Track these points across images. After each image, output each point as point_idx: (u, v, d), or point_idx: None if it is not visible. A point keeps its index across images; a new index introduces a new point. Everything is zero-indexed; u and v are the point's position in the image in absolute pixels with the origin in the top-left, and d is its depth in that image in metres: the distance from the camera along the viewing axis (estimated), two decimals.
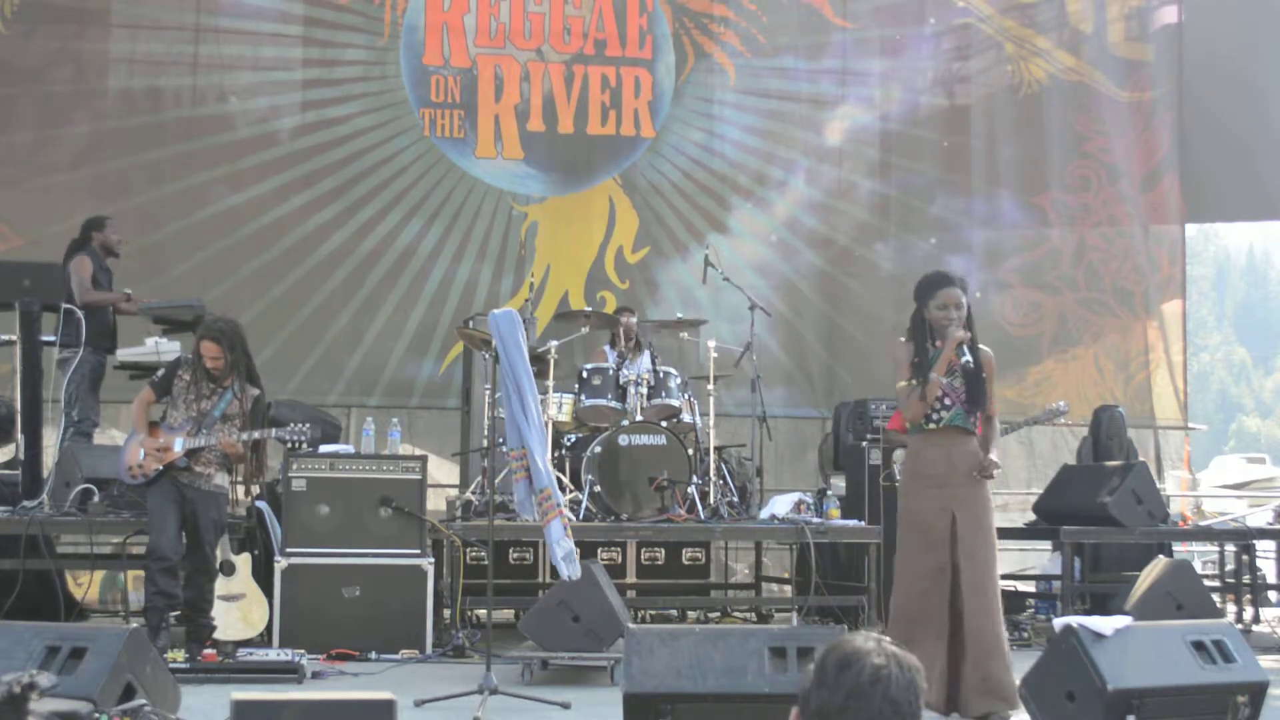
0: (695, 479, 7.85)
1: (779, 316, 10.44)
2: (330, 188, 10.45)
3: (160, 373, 6.60)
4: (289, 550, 6.98)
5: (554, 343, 8.18)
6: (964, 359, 5.15)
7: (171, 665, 5.47)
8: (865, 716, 2.22)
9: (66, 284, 7.76)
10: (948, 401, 5.20)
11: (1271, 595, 10.07)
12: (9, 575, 6.85)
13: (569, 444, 8.18)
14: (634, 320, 8.95)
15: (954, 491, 5.15)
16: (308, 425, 6.63)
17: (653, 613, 8.83)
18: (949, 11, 11.64)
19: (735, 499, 8.31)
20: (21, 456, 7.22)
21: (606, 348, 8.94)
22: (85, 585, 7.57)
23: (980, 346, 5.26)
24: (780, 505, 8.10)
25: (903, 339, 5.35)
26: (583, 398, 8.15)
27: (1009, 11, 11.73)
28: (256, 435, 6.35)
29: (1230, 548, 9.29)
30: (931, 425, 5.21)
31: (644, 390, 8.11)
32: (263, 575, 7.01)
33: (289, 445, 6.84)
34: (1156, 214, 11.80)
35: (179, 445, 6.29)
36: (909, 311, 5.37)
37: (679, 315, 9.12)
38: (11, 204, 9.97)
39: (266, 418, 6.67)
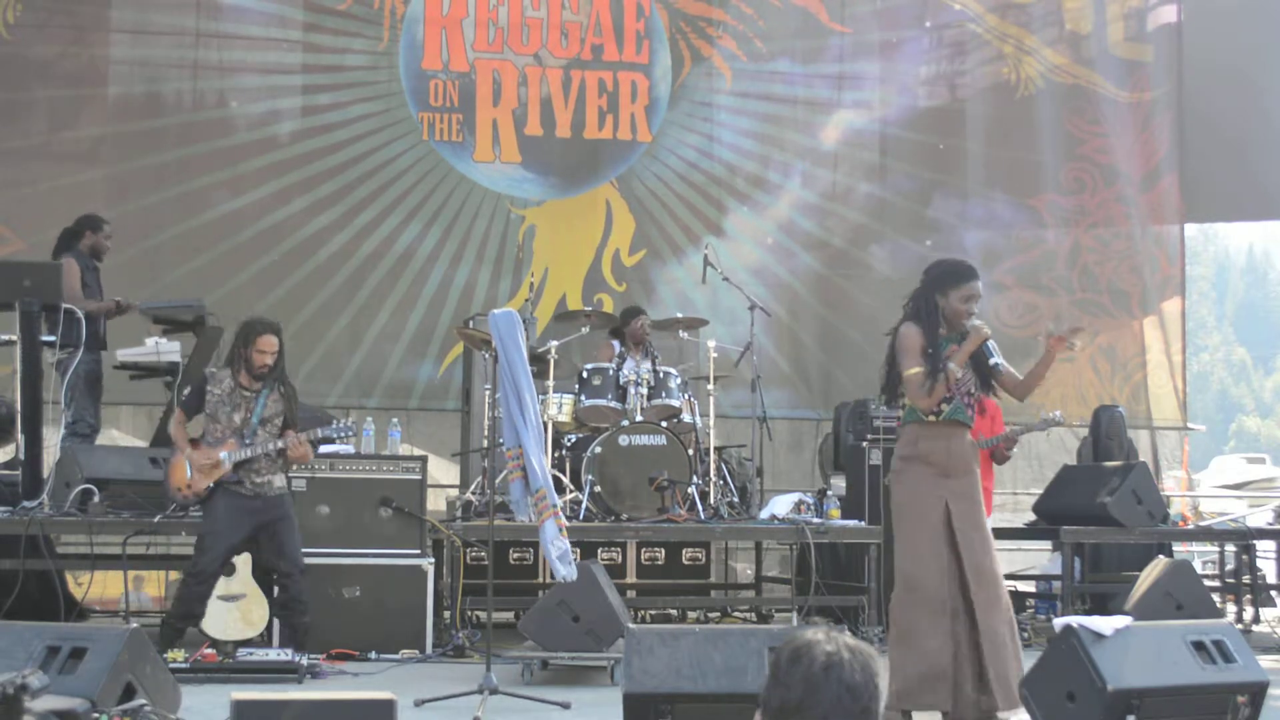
0: (695, 479, 7.86)
1: (776, 319, 10.43)
2: (330, 191, 10.46)
3: (188, 391, 6.69)
4: None
5: (554, 343, 8.18)
6: (993, 360, 4.99)
7: (171, 665, 5.48)
8: (825, 707, 2.20)
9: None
10: (948, 394, 4.99)
11: (1272, 595, 10.07)
12: (9, 575, 6.86)
13: (569, 444, 8.18)
14: (644, 323, 8.64)
15: (950, 484, 4.96)
16: (351, 421, 6.69)
17: (653, 613, 8.83)
18: (945, 14, 11.64)
19: (735, 499, 8.31)
20: (21, 456, 7.22)
21: (615, 343, 8.83)
22: (85, 585, 7.57)
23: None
24: (780, 505, 8.11)
25: (911, 324, 5.04)
26: (583, 398, 8.15)
27: (1006, 13, 11.74)
28: (319, 435, 6.51)
29: (1230, 548, 9.30)
30: (931, 418, 5.01)
31: (644, 390, 8.11)
32: (263, 575, 7.00)
33: (336, 441, 6.88)
34: (1156, 214, 11.79)
35: (227, 460, 6.37)
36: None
37: (678, 315, 9.09)
38: (13, 207, 9.99)
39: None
